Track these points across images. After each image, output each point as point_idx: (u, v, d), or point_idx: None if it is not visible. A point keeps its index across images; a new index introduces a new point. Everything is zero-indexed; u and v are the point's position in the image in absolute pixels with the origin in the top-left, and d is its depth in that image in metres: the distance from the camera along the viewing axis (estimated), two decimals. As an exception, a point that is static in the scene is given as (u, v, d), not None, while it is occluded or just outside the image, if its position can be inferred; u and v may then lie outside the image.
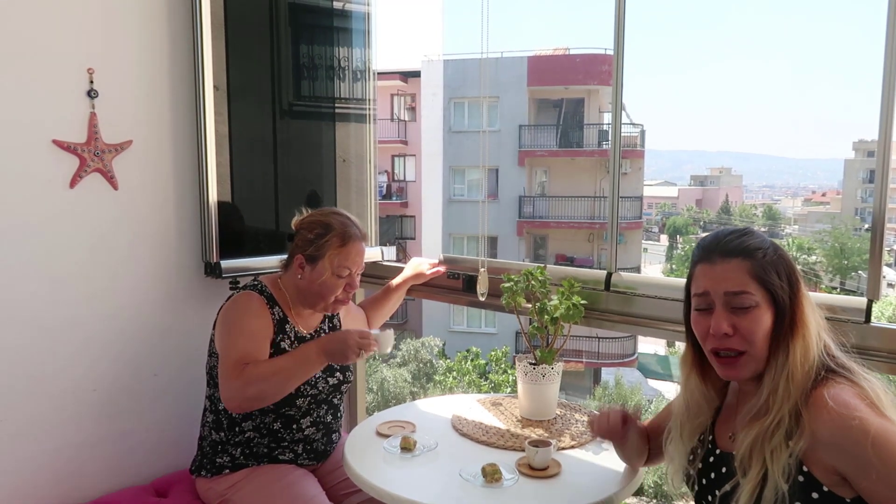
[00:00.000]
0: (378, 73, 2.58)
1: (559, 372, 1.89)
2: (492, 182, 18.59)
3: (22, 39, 1.84)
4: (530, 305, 1.94)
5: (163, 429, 2.19)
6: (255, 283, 1.89)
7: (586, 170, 19.33)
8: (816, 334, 1.19)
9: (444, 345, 16.73)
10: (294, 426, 1.88)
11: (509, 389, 12.52)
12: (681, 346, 1.53)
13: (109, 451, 2.09)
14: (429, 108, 18.75)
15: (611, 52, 1.92)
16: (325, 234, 1.82)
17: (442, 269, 2.28)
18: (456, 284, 2.28)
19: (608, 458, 1.63)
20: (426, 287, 2.33)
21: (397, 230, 20.47)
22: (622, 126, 2.05)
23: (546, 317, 1.89)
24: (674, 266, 33.65)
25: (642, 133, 21.15)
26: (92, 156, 1.96)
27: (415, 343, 15.32)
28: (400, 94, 20.36)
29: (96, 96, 1.95)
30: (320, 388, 1.88)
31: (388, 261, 2.52)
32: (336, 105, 2.49)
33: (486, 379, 14.31)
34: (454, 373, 14.38)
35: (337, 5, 2.51)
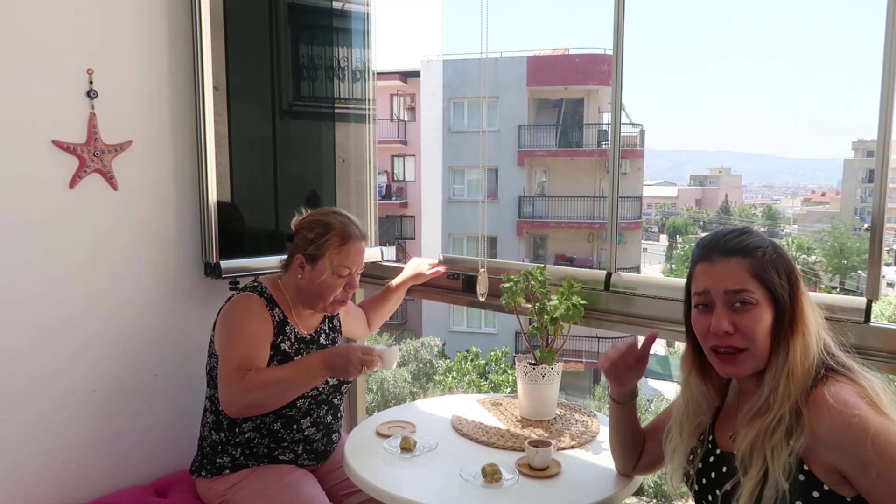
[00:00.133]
0: (377, 74, 2.58)
1: (559, 372, 1.89)
2: (491, 182, 18.59)
3: (22, 39, 1.84)
4: (530, 305, 1.94)
5: (162, 429, 2.19)
6: (255, 284, 1.89)
7: (586, 170, 19.34)
8: (816, 332, 1.20)
9: (443, 345, 16.73)
10: (294, 426, 1.88)
11: (509, 389, 12.51)
12: (681, 346, 1.53)
13: (109, 451, 2.09)
14: (428, 108, 18.74)
15: (610, 52, 1.92)
16: (324, 234, 1.82)
17: (442, 269, 2.28)
18: (456, 284, 2.28)
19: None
20: (426, 287, 2.32)
21: (397, 230, 20.47)
22: (622, 126, 2.04)
23: (546, 317, 1.89)
24: (673, 266, 33.63)
25: (642, 133, 21.17)
26: (91, 156, 1.96)
27: (414, 343, 15.32)
28: (399, 95, 20.36)
29: (96, 97, 1.95)
30: (320, 389, 1.88)
31: (387, 261, 2.52)
32: (336, 105, 2.49)
33: (486, 379, 14.30)
34: (454, 373, 14.38)
35: (336, 5, 2.51)
